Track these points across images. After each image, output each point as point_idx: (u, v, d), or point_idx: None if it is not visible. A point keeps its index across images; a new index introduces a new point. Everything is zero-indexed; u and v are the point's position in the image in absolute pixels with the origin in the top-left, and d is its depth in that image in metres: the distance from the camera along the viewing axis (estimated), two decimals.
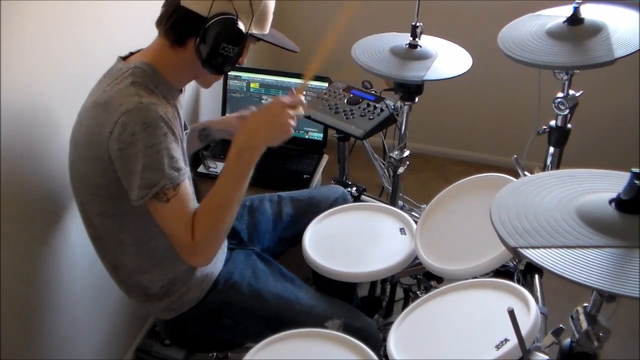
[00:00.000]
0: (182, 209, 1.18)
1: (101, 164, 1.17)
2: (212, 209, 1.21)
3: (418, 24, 1.69)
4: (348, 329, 1.36)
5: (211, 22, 1.15)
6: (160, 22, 1.22)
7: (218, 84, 2.25)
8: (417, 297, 1.72)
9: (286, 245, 1.68)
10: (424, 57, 1.68)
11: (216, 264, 1.43)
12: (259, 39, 1.27)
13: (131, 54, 1.28)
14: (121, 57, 1.27)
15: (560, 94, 1.54)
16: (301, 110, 1.29)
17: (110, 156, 1.15)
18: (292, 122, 1.27)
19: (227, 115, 1.77)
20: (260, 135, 1.24)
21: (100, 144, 1.15)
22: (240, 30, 1.18)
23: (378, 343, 1.40)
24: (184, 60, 1.22)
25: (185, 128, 1.38)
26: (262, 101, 2.25)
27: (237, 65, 1.25)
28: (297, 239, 1.55)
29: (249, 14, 1.19)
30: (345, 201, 1.74)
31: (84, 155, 1.21)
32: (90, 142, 1.18)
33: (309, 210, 1.65)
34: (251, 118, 1.29)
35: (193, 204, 1.22)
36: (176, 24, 1.19)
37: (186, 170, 1.20)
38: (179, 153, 1.18)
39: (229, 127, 1.59)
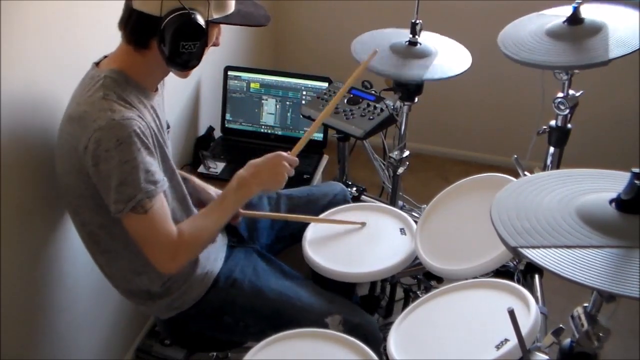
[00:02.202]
0: (161, 217, 1.20)
1: (82, 177, 1.18)
2: (203, 226, 1.29)
3: (418, 21, 1.69)
4: (348, 325, 1.36)
5: (165, 21, 1.12)
6: (120, 26, 1.21)
7: (218, 85, 2.26)
8: (417, 297, 1.72)
9: (284, 243, 1.67)
10: (424, 55, 1.68)
11: (216, 262, 1.43)
12: (225, 23, 1.24)
13: (105, 57, 1.26)
14: (95, 63, 1.25)
15: (560, 94, 1.54)
16: (292, 170, 1.37)
17: (87, 170, 1.15)
18: (286, 177, 1.35)
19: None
20: (260, 178, 1.33)
21: (78, 157, 1.16)
22: (197, 24, 1.14)
23: (378, 340, 1.40)
24: (152, 61, 1.20)
25: (167, 127, 1.38)
26: (263, 101, 2.25)
27: (215, 47, 1.26)
28: (296, 236, 1.55)
29: (204, 2, 1.16)
30: (344, 197, 1.74)
31: (66, 168, 1.22)
32: (69, 156, 1.19)
33: (307, 207, 1.65)
34: (255, 161, 1.35)
35: (169, 212, 1.23)
36: (135, 28, 1.18)
37: (164, 183, 1.21)
38: (155, 166, 1.18)
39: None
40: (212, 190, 1.57)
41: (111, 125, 1.11)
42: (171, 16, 1.12)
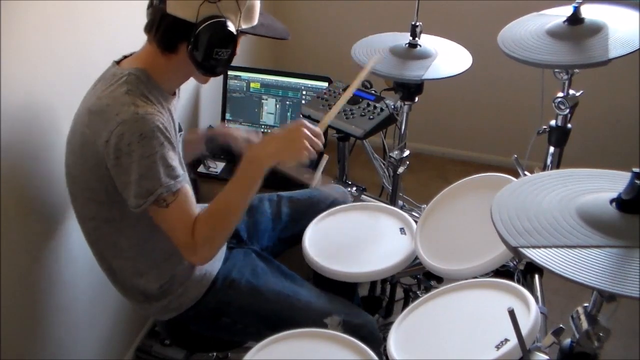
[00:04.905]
0: (182, 212, 1.20)
1: (97, 170, 1.18)
2: (214, 213, 1.24)
3: (418, 24, 1.70)
4: (347, 325, 1.36)
5: (201, 28, 1.14)
6: (149, 30, 1.21)
7: (218, 84, 2.26)
8: (417, 297, 1.72)
9: (285, 245, 1.67)
10: (424, 56, 1.68)
11: (214, 263, 1.42)
12: (252, 34, 1.27)
13: (125, 57, 1.27)
14: (115, 62, 1.26)
15: (560, 94, 1.54)
16: (319, 143, 1.26)
17: (106, 164, 1.15)
18: (308, 146, 1.23)
19: (234, 128, 1.66)
20: (271, 148, 1.25)
21: (96, 151, 1.15)
22: (231, 32, 1.17)
23: (378, 341, 1.40)
24: (177, 65, 1.22)
25: (180, 130, 1.38)
26: (262, 101, 2.25)
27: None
28: (297, 238, 1.55)
29: (236, 11, 1.19)
30: (345, 200, 1.74)
31: (79, 162, 1.21)
32: (85, 149, 1.18)
33: (309, 210, 1.64)
34: (269, 134, 1.30)
35: (193, 206, 1.23)
36: (166, 33, 1.18)
37: (184, 177, 1.21)
38: (176, 161, 1.19)
39: (234, 136, 1.58)
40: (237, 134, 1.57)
41: (135, 119, 1.12)
42: (208, 22, 1.14)
